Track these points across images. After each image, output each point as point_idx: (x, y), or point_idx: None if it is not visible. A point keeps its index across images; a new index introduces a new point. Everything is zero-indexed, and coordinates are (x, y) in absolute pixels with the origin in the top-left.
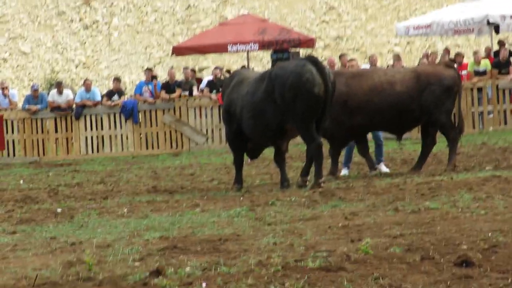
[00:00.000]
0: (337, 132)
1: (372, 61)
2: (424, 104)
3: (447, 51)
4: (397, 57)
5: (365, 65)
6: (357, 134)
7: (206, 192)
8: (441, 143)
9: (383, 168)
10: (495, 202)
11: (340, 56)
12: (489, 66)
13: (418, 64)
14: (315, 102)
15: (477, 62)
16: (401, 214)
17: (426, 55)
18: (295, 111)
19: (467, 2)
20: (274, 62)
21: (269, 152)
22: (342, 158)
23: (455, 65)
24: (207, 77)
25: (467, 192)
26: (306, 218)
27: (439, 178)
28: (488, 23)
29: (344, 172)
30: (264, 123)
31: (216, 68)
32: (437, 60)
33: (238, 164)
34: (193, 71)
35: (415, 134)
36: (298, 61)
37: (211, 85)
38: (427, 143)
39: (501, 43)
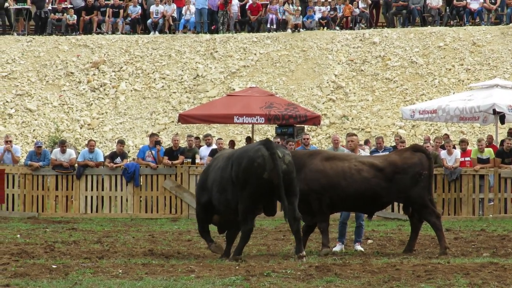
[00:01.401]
0: (317, 207)
1: (378, 143)
2: (392, 192)
3: (447, 136)
4: (399, 139)
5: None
6: (333, 211)
7: (202, 258)
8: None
9: (358, 247)
10: None
11: (347, 135)
12: (492, 155)
13: None
14: (263, 186)
15: (480, 150)
16: None
17: (428, 139)
18: (242, 192)
19: (475, 90)
20: (278, 135)
21: (267, 224)
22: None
23: (458, 152)
24: (211, 146)
25: (463, 277)
26: None
27: (436, 261)
28: (494, 112)
29: (339, 247)
30: (226, 199)
31: (219, 138)
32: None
33: (204, 232)
34: (198, 138)
35: None
36: (254, 145)
37: (214, 154)
38: (414, 222)
39: (509, 133)
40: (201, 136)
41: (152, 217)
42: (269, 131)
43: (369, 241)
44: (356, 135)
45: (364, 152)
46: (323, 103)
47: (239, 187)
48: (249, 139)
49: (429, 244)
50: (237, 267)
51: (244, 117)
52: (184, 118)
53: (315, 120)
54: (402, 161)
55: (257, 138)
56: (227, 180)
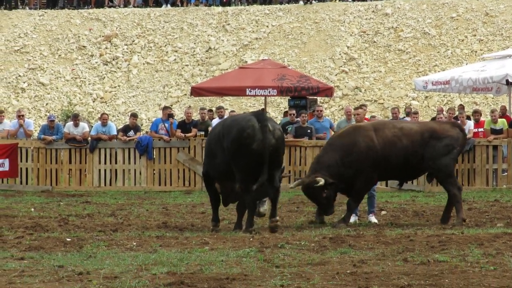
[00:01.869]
0: (362, 185)
1: (394, 113)
2: (424, 158)
3: (462, 107)
4: (410, 110)
5: (377, 116)
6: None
7: (216, 231)
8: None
9: (373, 219)
10: (505, 259)
11: (354, 109)
12: (505, 125)
13: (434, 119)
14: (253, 156)
15: (494, 120)
16: (410, 265)
17: (441, 110)
18: (235, 162)
19: (488, 61)
20: (291, 107)
21: (280, 196)
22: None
23: (471, 123)
24: (223, 119)
25: (477, 247)
26: (315, 263)
27: (450, 232)
28: (507, 83)
29: (352, 219)
30: (215, 164)
31: (231, 111)
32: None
33: (213, 202)
34: (210, 111)
35: (428, 187)
36: (246, 115)
37: None
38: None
39: None
40: (214, 109)
41: (166, 190)
42: (281, 103)
43: (383, 212)
44: (362, 107)
45: None
46: (336, 75)
47: (230, 156)
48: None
49: None
50: (251, 239)
51: (257, 89)
52: (197, 91)
53: (327, 91)
54: (441, 129)
55: (270, 110)
56: (217, 144)
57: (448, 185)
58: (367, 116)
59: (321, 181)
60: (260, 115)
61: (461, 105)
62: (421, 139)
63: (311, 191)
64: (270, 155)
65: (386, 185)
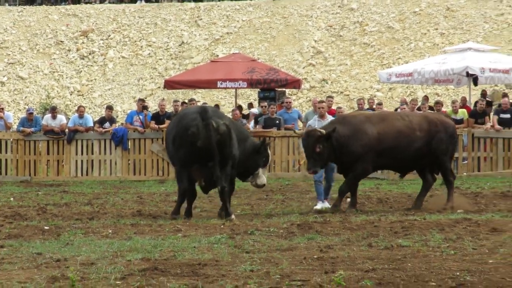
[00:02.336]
0: (362, 174)
1: (359, 104)
2: (431, 149)
3: (426, 98)
4: (373, 102)
5: (343, 108)
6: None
7: (188, 218)
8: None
9: (323, 204)
10: (465, 244)
11: (326, 98)
12: (466, 115)
13: (396, 110)
14: (195, 152)
15: (454, 111)
16: (374, 249)
17: (405, 101)
18: (178, 155)
19: (449, 53)
20: (261, 99)
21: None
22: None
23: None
24: None
25: (439, 232)
26: (283, 248)
27: (412, 218)
28: (468, 74)
29: (320, 205)
30: (169, 154)
31: (203, 103)
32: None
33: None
34: (184, 103)
35: (392, 175)
36: (193, 110)
37: None
38: (428, 181)
39: (482, 94)
40: (186, 101)
41: (140, 179)
42: (251, 95)
43: (348, 199)
44: (327, 100)
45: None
46: (304, 68)
47: (175, 148)
48: (240, 108)
49: (406, 201)
50: (222, 226)
51: (227, 82)
52: (170, 84)
53: (295, 83)
54: (442, 120)
55: (241, 102)
56: (168, 135)
57: (449, 173)
58: (334, 107)
59: (323, 132)
60: (204, 112)
61: (425, 96)
62: (429, 129)
63: (308, 140)
64: (215, 151)
65: None
